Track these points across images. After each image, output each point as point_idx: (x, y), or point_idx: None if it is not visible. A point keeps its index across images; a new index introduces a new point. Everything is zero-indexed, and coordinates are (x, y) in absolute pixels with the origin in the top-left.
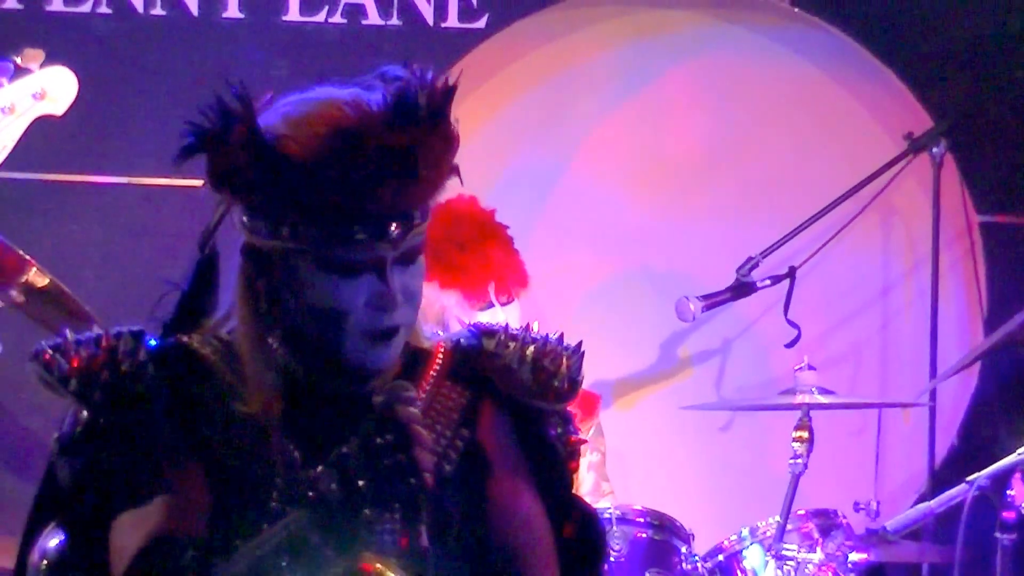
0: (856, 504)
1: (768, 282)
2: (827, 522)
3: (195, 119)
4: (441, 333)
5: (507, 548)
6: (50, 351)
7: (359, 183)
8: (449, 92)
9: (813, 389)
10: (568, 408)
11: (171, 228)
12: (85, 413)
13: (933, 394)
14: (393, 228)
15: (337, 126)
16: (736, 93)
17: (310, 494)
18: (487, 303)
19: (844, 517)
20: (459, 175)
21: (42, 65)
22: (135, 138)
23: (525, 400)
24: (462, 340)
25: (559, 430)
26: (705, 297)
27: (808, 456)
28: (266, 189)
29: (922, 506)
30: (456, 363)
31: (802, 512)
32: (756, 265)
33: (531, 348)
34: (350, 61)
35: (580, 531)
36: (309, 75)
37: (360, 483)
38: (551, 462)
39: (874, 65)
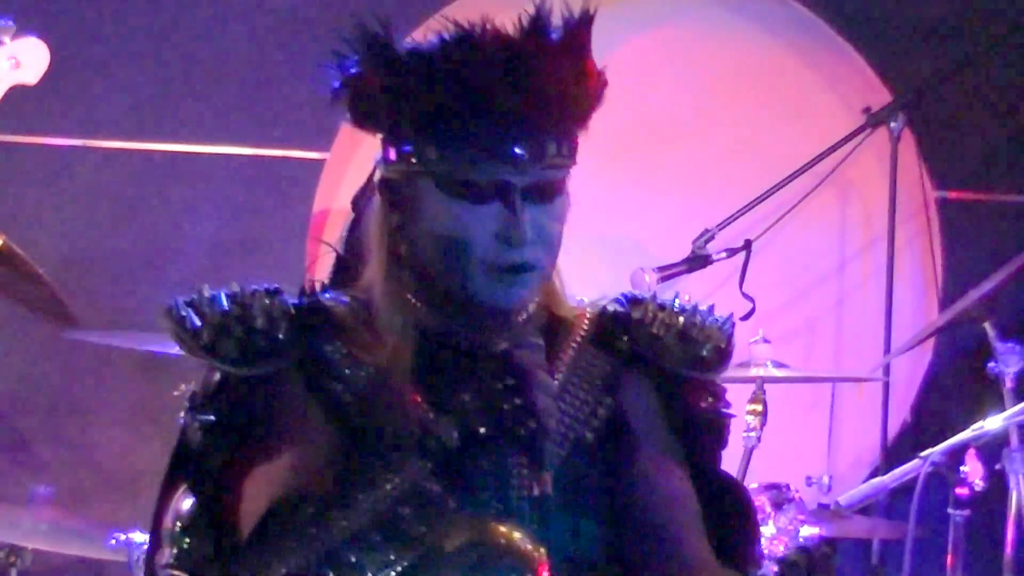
0: (808, 478)
1: (724, 255)
2: (779, 496)
3: (334, 59)
4: (586, 300)
5: (652, 522)
6: (183, 307)
7: (477, 89)
8: (585, 18)
9: (768, 362)
10: (718, 381)
11: (127, 191)
12: (216, 373)
13: (887, 369)
14: (518, 151)
15: (463, 37)
16: (695, 65)
17: (430, 443)
18: None
19: (796, 491)
20: (596, 109)
21: (14, 36)
22: (92, 100)
23: (673, 369)
24: (608, 308)
25: (708, 402)
26: (661, 269)
27: (761, 430)
28: (394, 106)
29: (875, 481)
30: (601, 331)
31: (754, 486)
32: (712, 237)
33: (680, 318)
34: (308, 23)
35: (730, 506)
36: (266, 38)
37: (480, 430)
38: (698, 434)
39: (833, 38)
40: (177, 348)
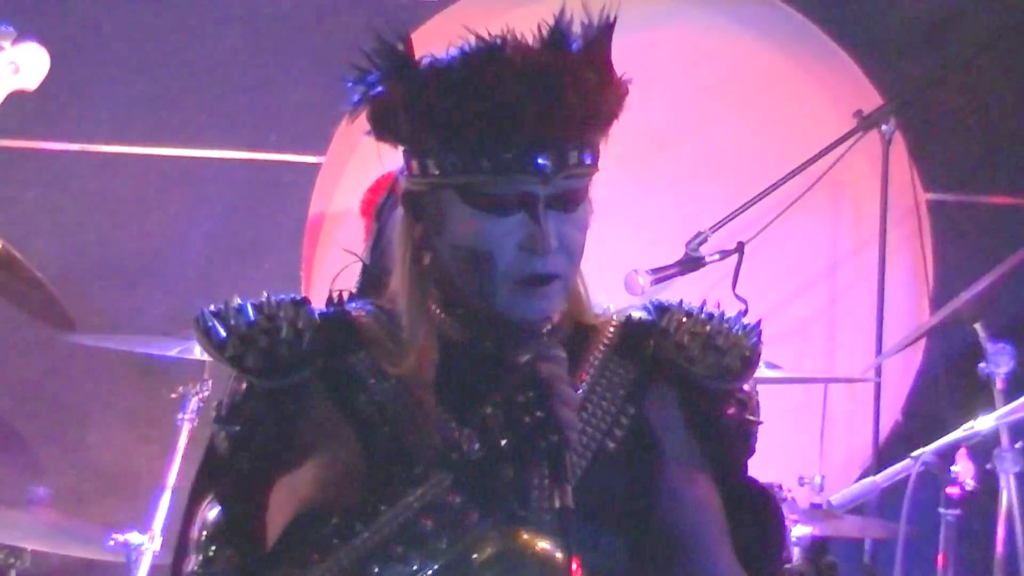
0: (801, 478)
1: (717, 257)
2: None
3: (354, 73)
4: (612, 307)
5: (678, 533)
6: (210, 317)
7: (500, 101)
8: (605, 26)
9: (760, 363)
10: (745, 389)
11: (125, 196)
12: (243, 383)
13: (879, 370)
14: (540, 161)
15: (484, 50)
16: (688, 69)
17: (453, 455)
18: None
19: (789, 491)
20: (617, 117)
21: (14, 42)
22: (90, 105)
23: (697, 379)
24: (634, 315)
25: (734, 410)
26: (654, 271)
27: None
28: (415, 119)
29: (867, 481)
30: (626, 339)
31: None
32: (705, 240)
33: (707, 326)
34: (304, 29)
35: (757, 515)
36: (262, 43)
37: (502, 442)
38: (724, 443)
39: (825, 42)
40: (176, 352)
